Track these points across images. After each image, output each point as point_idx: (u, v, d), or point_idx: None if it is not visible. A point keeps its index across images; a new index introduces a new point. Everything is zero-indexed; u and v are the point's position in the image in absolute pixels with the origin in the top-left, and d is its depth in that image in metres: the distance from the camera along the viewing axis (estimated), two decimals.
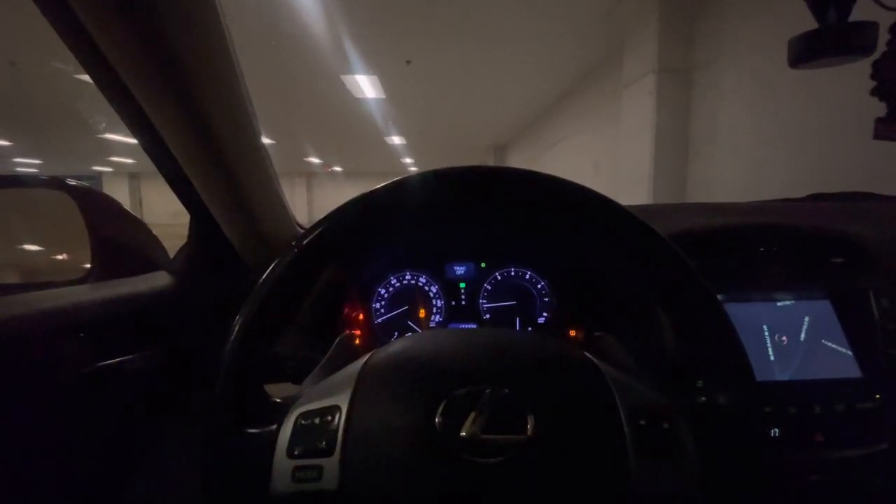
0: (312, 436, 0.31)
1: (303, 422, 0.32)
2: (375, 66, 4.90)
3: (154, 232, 0.75)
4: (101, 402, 0.52)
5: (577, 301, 0.74)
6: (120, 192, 15.03)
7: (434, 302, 0.77)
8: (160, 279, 0.65)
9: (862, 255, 0.59)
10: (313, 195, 17.26)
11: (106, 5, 0.36)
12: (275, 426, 0.33)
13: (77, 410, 0.50)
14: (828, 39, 0.44)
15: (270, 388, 0.38)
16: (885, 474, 0.53)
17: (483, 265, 0.78)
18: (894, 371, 0.55)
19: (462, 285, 0.78)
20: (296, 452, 0.31)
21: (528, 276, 0.77)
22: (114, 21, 0.38)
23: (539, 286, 0.77)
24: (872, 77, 0.45)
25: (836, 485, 0.53)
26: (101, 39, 0.40)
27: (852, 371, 0.56)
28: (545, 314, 0.77)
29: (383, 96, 6.05)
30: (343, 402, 0.32)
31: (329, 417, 0.32)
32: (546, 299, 0.77)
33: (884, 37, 0.43)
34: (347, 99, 6.09)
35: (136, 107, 0.46)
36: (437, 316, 0.77)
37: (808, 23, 0.44)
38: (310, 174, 17.08)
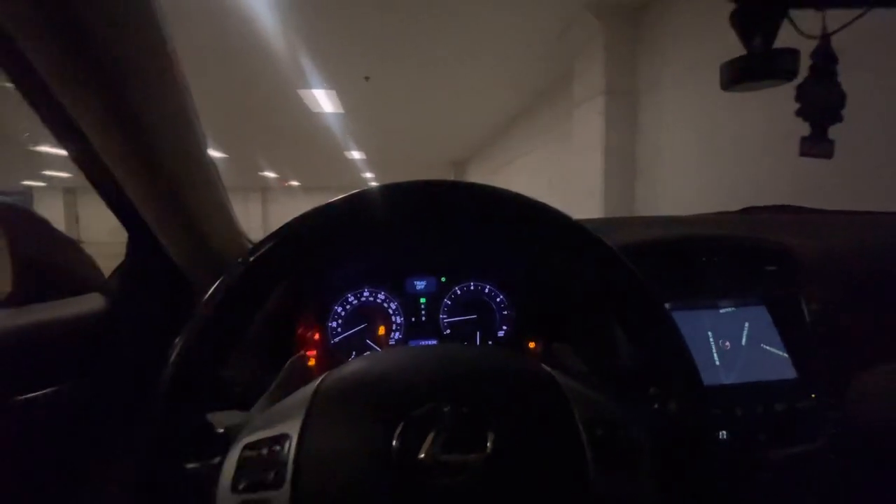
0: (260, 467, 0.29)
1: (249, 453, 0.30)
2: (333, 82, 4.86)
3: (92, 251, 0.69)
4: (23, 439, 0.47)
5: (535, 313, 0.75)
6: (54, 208, 13.96)
7: (393, 318, 0.76)
8: (92, 302, 0.59)
9: (792, 263, 0.64)
10: (269, 211, 16.73)
11: (27, 4, 0.34)
12: (218, 459, 0.31)
13: None
14: (755, 65, 0.47)
15: (215, 417, 0.35)
16: (825, 470, 0.56)
17: (443, 279, 0.78)
18: (826, 371, 0.59)
19: (422, 301, 0.77)
20: (241, 487, 0.29)
21: (487, 290, 0.78)
22: (36, 22, 0.35)
23: (498, 299, 0.77)
24: (797, 99, 0.49)
25: (784, 482, 0.56)
26: (23, 41, 0.37)
27: (789, 372, 0.60)
28: (505, 327, 0.77)
29: (342, 111, 6.00)
30: (293, 429, 0.30)
31: (278, 447, 0.30)
32: (505, 312, 0.77)
33: (806, 62, 0.47)
34: (305, 113, 6.00)
35: (64, 114, 0.42)
36: (397, 333, 0.76)
37: (739, 49, 0.48)
38: (265, 189, 16.58)
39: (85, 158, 0.48)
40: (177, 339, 0.32)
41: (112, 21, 0.38)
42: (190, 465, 0.31)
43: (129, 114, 0.42)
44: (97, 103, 0.41)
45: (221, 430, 0.34)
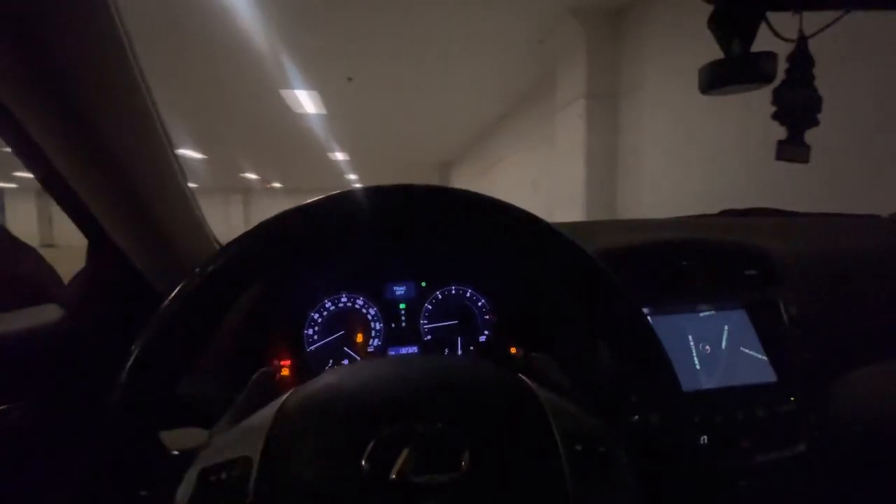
0: (218, 495, 0.27)
1: (206, 479, 0.28)
2: (316, 82, 4.82)
3: (65, 255, 0.65)
4: None
5: (517, 318, 0.74)
6: (26, 210, 13.53)
7: (372, 325, 0.74)
8: (48, 313, 0.55)
9: (771, 267, 0.64)
10: (251, 212, 16.49)
11: None
12: (172, 486, 0.28)
13: None
14: (733, 68, 0.47)
15: (171, 436, 0.33)
16: (806, 474, 0.56)
17: (423, 284, 0.76)
18: (805, 374, 0.59)
19: (402, 306, 0.75)
20: None
21: (468, 294, 0.76)
22: None
23: (480, 304, 0.76)
24: (773, 103, 0.49)
25: (764, 488, 0.56)
26: None
27: (769, 376, 0.60)
28: (487, 332, 0.76)
29: (325, 112, 5.94)
30: (254, 452, 0.28)
31: (238, 472, 0.28)
32: (487, 317, 0.76)
33: (783, 66, 0.47)
34: (287, 114, 5.92)
35: (5, 110, 0.39)
36: (376, 340, 0.73)
37: (717, 52, 0.47)
38: (247, 190, 16.35)
39: (31, 157, 0.45)
40: (132, 347, 0.30)
41: (62, 19, 0.36)
42: (141, 494, 0.29)
43: (76, 111, 0.39)
44: (43, 102, 0.38)
45: (176, 453, 0.31)
